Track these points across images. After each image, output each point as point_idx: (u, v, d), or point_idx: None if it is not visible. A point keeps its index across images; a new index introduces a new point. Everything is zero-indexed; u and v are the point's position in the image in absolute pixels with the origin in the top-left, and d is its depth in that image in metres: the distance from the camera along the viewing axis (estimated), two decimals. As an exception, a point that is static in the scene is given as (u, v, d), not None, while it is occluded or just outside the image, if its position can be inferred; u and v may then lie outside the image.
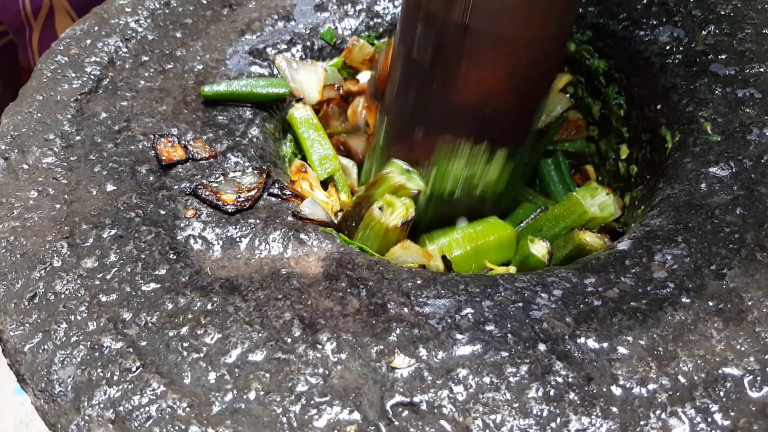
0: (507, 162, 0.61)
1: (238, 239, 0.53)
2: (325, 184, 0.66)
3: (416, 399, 0.42)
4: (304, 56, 0.71)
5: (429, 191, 0.61)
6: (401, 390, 0.42)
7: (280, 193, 0.58)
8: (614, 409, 0.41)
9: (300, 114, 0.68)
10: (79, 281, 0.49)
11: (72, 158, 0.59)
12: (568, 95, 0.75)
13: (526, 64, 0.55)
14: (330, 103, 0.71)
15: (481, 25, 0.52)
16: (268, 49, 0.71)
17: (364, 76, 0.73)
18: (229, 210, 0.55)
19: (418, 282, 0.49)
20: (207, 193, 0.56)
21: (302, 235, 0.54)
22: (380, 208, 0.57)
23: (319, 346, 0.45)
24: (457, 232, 0.62)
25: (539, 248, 0.60)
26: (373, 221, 0.57)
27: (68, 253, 0.51)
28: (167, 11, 0.73)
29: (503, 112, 0.58)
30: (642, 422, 0.40)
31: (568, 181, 0.73)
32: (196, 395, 0.43)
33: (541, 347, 0.44)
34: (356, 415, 0.41)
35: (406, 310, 0.47)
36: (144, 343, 0.45)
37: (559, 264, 0.59)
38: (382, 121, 0.64)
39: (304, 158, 0.68)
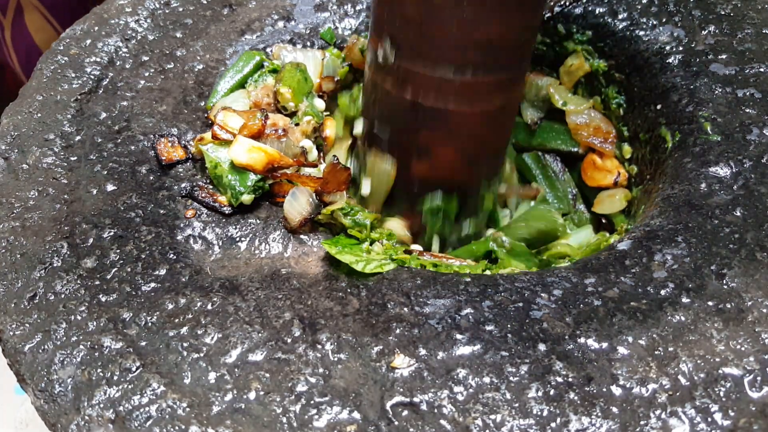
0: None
1: (238, 239, 0.53)
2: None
3: (416, 399, 0.42)
4: (304, 56, 0.71)
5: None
6: (401, 390, 0.42)
7: (280, 193, 0.58)
8: (614, 409, 0.41)
9: None
10: (79, 281, 0.49)
11: (72, 158, 0.59)
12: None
13: (478, 134, 0.58)
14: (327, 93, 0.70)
15: (430, 103, 0.55)
16: (268, 49, 0.71)
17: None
18: (226, 211, 0.55)
19: (418, 282, 0.49)
20: (203, 195, 0.56)
21: (302, 235, 0.54)
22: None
23: (319, 346, 0.45)
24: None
25: None
26: None
27: (68, 253, 0.51)
28: (167, 11, 0.73)
29: (454, 180, 0.61)
30: (642, 422, 0.40)
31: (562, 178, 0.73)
32: (196, 395, 0.43)
33: (541, 347, 0.44)
34: (356, 415, 0.41)
35: (406, 310, 0.47)
36: (144, 343, 0.45)
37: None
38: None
39: None
